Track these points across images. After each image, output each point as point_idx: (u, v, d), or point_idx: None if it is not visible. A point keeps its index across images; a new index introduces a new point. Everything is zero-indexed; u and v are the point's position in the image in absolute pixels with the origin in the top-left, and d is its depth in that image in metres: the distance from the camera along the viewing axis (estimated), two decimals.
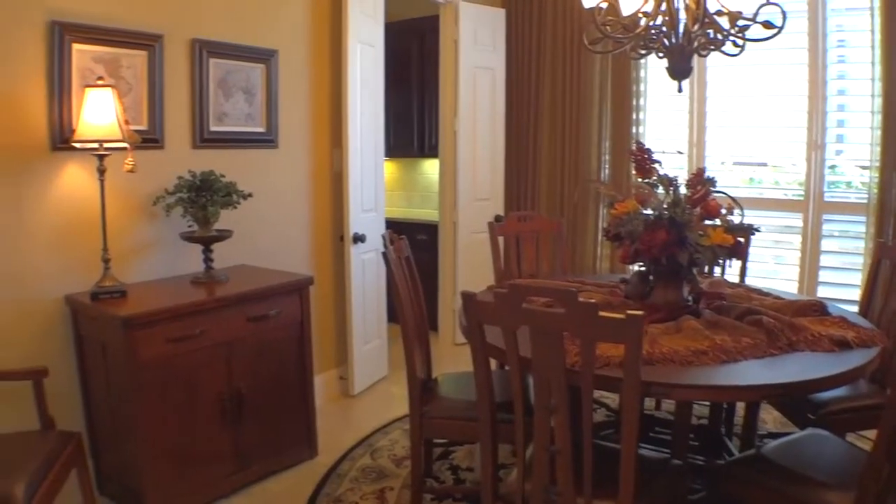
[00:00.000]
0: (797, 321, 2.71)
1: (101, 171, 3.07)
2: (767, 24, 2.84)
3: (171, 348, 3.03)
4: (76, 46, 3.15)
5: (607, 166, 5.83)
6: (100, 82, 3.05)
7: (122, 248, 3.40)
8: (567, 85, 5.83)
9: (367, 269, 4.69)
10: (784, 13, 2.80)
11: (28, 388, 2.83)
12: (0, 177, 2.97)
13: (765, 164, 5.47)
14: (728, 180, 5.43)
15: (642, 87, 5.59)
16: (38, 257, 3.11)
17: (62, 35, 3.09)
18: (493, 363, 2.84)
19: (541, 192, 6.05)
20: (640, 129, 5.64)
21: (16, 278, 3.05)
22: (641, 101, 5.61)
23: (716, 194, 2.92)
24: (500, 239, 4.14)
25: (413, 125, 6.55)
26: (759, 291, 3.35)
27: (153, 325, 2.97)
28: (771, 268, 5.40)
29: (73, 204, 3.21)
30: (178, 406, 3.10)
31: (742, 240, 3.02)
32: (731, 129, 5.41)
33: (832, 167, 5.13)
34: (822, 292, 5.01)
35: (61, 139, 3.12)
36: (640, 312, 1.90)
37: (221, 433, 3.28)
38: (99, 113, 2.98)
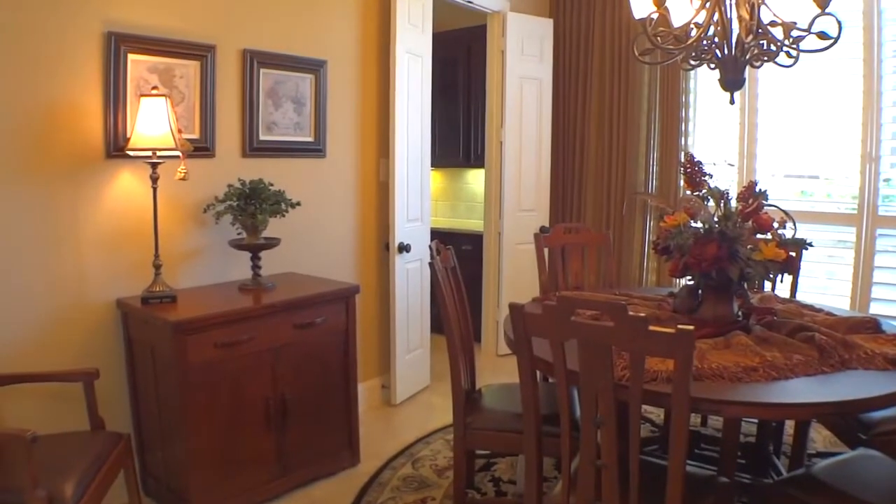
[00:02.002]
0: (850, 338, 2.64)
1: (154, 179, 3.12)
2: (822, 35, 2.78)
3: (219, 353, 3.07)
4: (131, 56, 3.23)
5: (655, 178, 5.77)
6: (154, 92, 3.11)
7: (173, 254, 3.45)
8: (615, 96, 5.80)
9: (410, 278, 4.70)
10: (840, 24, 2.74)
11: (79, 389, 2.88)
12: (57, 183, 3.05)
13: (817, 177, 5.36)
14: (779, 193, 5.34)
15: (691, 99, 5.53)
16: (92, 261, 3.18)
17: (118, 45, 3.16)
18: (539, 375, 2.81)
19: (587, 203, 6.02)
20: (689, 141, 5.58)
21: (70, 281, 3.12)
22: (690, 113, 5.55)
23: (768, 208, 2.87)
24: (546, 251, 4.12)
25: (459, 135, 6.56)
26: (810, 307, 3.28)
27: (202, 330, 3.01)
28: (822, 283, 5.28)
29: (126, 210, 3.27)
30: (224, 410, 3.13)
31: (794, 254, 2.97)
32: (783, 140, 5.32)
33: (887, 180, 5.01)
34: (875, 309, 4.89)
35: (116, 147, 3.19)
36: (690, 327, 1.88)
37: (265, 438, 3.31)
38: (153, 122, 3.03)
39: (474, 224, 6.54)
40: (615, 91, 5.79)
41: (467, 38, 6.21)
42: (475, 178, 6.79)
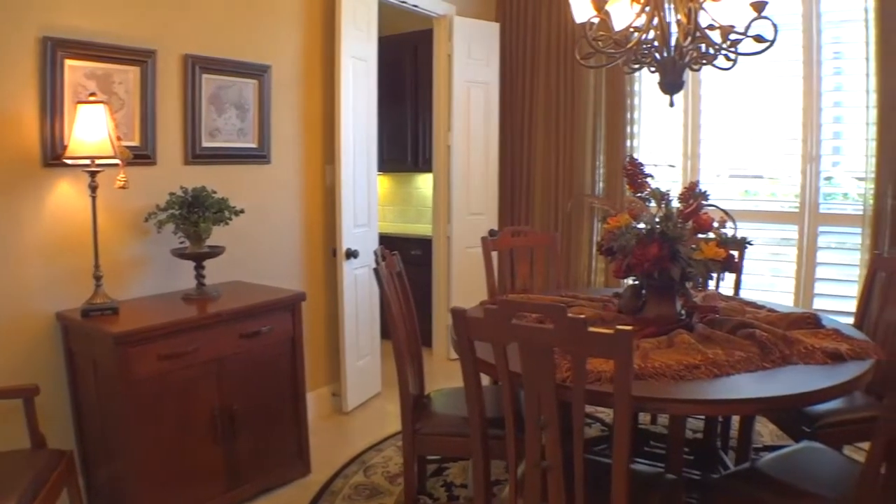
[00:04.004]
0: (790, 334, 2.69)
1: (93, 188, 3.05)
2: (759, 38, 2.83)
3: (163, 365, 3.01)
4: (68, 62, 3.15)
5: (601, 180, 5.83)
6: (92, 98, 3.04)
7: (114, 264, 3.38)
8: (561, 99, 5.84)
9: (359, 284, 4.67)
10: (776, 27, 2.79)
11: (19, 406, 2.81)
12: None
13: (760, 177, 5.47)
14: (723, 193, 5.44)
15: (636, 101, 5.60)
16: (29, 274, 3.10)
17: (54, 51, 3.08)
18: (488, 379, 2.82)
19: (535, 206, 6.05)
20: (635, 143, 5.65)
21: (6, 295, 3.03)
22: (635, 115, 5.62)
23: (708, 208, 2.91)
24: (495, 254, 4.13)
25: (407, 140, 6.55)
26: (753, 304, 3.35)
27: (145, 342, 2.95)
28: (767, 280, 5.39)
29: (65, 220, 3.20)
30: (170, 423, 3.07)
31: (735, 253, 3.01)
32: (726, 141, 5.42)
33: (828, 179, 5.13)
34: (819, 304, 5.00)
35: (53, 155, 3.11)
36: (629, 327, 1.89)
37: (213, 451, 3.26)
38: (91, 129, 2.97)
39: (424, 228, 6.52)
40: (561, 94, 5.83)
41: (414, 43, 6.20)
42: (425, 183, 6.79)
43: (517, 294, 3.91)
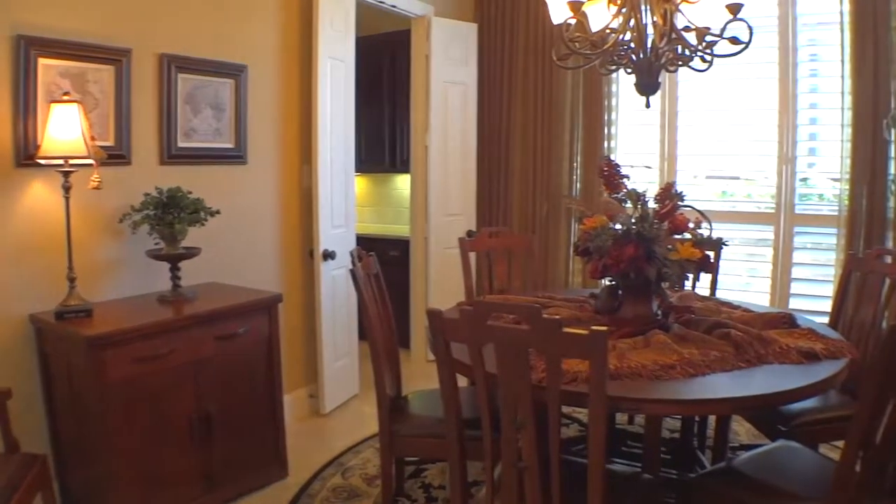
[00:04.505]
0: (766, 334, 2.72)
1: (67, 188, 3.02)
2: (734, 40, 2.84)
3: (138, 368, 2.98)
4: (42, 61, 3.11)
5: (579, 181, 5.85)
6: (65, 98, 3.01)
7: (88, 266, 3.34)
8: (539, 100, 5.86)
9: (337, 285, 4.66)
10: (751, 29, 2.81)
11: None
12: None
13: (737, 178, 5.51)
14: (701, 194, 5.48)
15: (614, 102, 5.63)
16: (2, 275, 3.06)
17: (28, 49, 3.04)
18: (466, 380, 2.82)
19: (513, 207, 6.05)
20: (612, 144, 5.67)
21: None
22: (613, 116, 5.64)
23: (684, 208, 2.93)
24: (473, 255, 4.13)
25: (385, 140, 6.54)
26: (729, 304, 3.37)
27: (120, 344, 2.92)
28: (744, 280, 5.43)
29: (38, 221, 3.15)
30: (146, 427, 3.04)
31: (711, 253, 3.03)
32: (704, 142, 5.46)
33: (804, 180, 5.18)
34: (795, 304, 5.04)
35: (26, 155, 3.07)
36: (603, 328, 1.90)
37: (190, 454, 3.23)
38: (64, 129, 2.94)
39: (402, 229, 6.50)
40: (539, 95, 5.85)
41: (392, 43, 6.18)
42: (404, 184, 6.76)
43: (495, 295, 3.91)
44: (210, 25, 3.89)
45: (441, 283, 5.70)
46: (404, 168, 6.22)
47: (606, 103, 5.61)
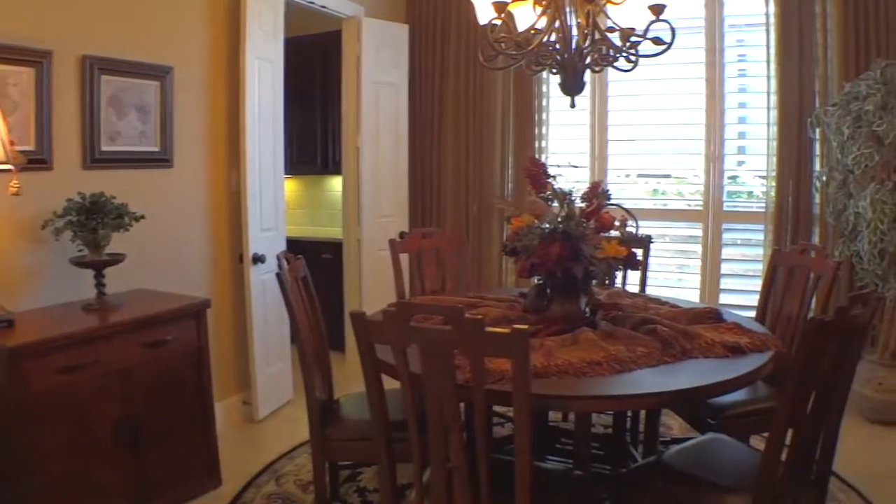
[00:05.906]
0: (691, 329, 2.76)
1: None
2: (657, 41, 2.89)
3: (63, 378, 2.89)
4: None
5: (511, 181, 5.88)
6: None
7: (9, 274, 3.23)
8: (470, 100, 5.87)
9: (267, 289, 4.56)
10: (673, 30, 2.85)
11: None
12: None
13: (668, 176, 5.61)
14: (633, 192, 5.56)
15: (544, 103, 5.67)
16: None
17: None
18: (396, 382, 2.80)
19: (446, 208, 6.05)
20: (543, 144, 5.71)
21: None
22: (544, 116, 5.69)
23: (610, 207, 2.96)
24: (404, 256, 4.11)
25: (317, 142, 6.47)
26: (657, 301, 3.41)
27: (42, 355, 2.83)
28: (676, 276, 5.52)
29: None
30: (73, 439, 2.94)
31: (638, 250, 3.07)
32: (635, 142, 5.54)
33: (734, 178, 5.30)
34: (724, 299, 5.15)
35: None
36: (525, 327, 1.90)
37: (118, 466, 3.14)
38: None
39: (335, 232, 6.39)
40: (470, 96, 5.86)
41: (323, 44, 6.10)
42: (335, 186, 6.68)
43: (427, 296, 3.90)
44: (135, 26, 3.80)
45: (374, 285, 5.64)
46: (337, 170, 6.15)
47: (537, 104, 5.66)
